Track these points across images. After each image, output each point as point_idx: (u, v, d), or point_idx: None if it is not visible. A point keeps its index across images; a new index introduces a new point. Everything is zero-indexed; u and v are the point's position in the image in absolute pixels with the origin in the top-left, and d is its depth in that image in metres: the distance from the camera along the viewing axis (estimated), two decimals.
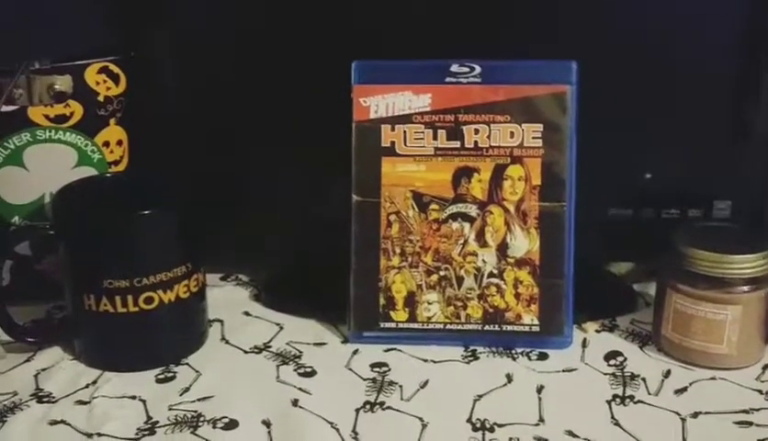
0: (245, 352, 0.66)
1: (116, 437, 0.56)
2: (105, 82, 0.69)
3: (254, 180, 0.72)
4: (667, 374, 0.62)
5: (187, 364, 0.64)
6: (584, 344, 0.66)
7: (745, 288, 0.61)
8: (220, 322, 0.70)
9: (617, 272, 0.77)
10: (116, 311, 0.61)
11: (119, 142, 0.71)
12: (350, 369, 0.63)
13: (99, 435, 0.56)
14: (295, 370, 0.63)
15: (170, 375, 0.63)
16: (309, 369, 0.63)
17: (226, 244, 0.73)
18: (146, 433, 0.56)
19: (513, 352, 0.65)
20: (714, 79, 0.67)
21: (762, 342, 0.64)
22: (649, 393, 0.60)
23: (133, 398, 0.60)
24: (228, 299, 0.73)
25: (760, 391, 0.60)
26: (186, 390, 0.61)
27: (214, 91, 0.70)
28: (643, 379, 0.62)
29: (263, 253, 0.74)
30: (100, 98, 0.69)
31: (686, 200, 0.70)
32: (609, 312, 0.70)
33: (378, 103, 0.64)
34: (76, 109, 0.68)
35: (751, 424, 0.57)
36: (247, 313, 0.71)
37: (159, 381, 0.62)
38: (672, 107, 0.67)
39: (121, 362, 0.63)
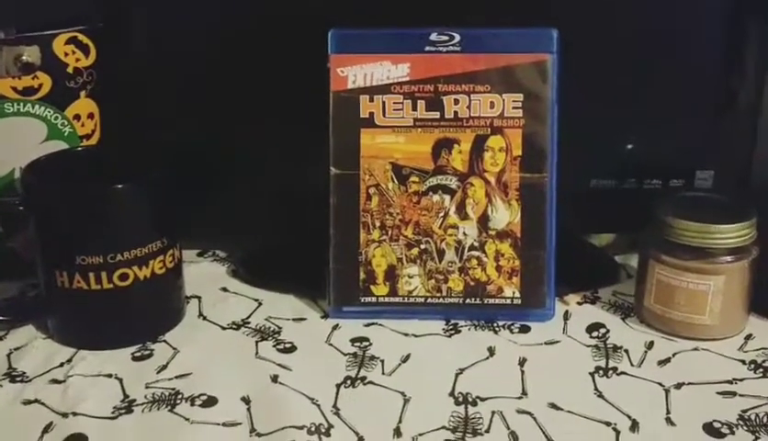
0: (223, 328, 0.65)
1: (92, 416, 0.55)
2: (74, 53, 0.67)
3: (230, 153, 0.70)
4: (650, 345, 0.62)
5: (164, 341, 0.63)
6: (566, 316, 0.66)
7: (728, 258, 0.61)
8: (198, 298, 0.69)
9: (599, 243, 0.76)
10: (90, 288, 0.59)
11: (91, 115, 0.69)
12: (330, 345, 0.63)
13: (75, 414, 0.55)
14: (274, 346, 0.62)
15: (147, 352, 0.61)
16: (288, 345, 0.62)
17: (202, 220, 0.72)
18: (123, 411, 0.55)
19: (495, 325, 0.65)
20: (696, 49, 0.67)
21: (745, 312, 0.64)
22: (632, 365, 0.60)
23: (109, 376, 0.59)
24: (205, 276, 0.72)
25: (743, 361, 0.60)
26: (164, 367, 0.60)
27: (187, 62, 0.68)
28: (626, 351, 0.62)
29: (240, 228, 0.73)
30: (69, 70, 0.67)
31: (668, 171, 0.70)
32: (591, 284, 0.70)
33: (355, 73, 0.63)
34: (45, 81, 0.66)
35: (734, 394, 0.57)
36: (225, 289, 0.70)
37: (135, 359, 0.61)
38: (654, 76, 0.67)
39: (96, 340, 0.62)
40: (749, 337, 0.63)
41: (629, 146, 0.69)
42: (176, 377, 0.59)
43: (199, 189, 0.70)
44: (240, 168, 0.71)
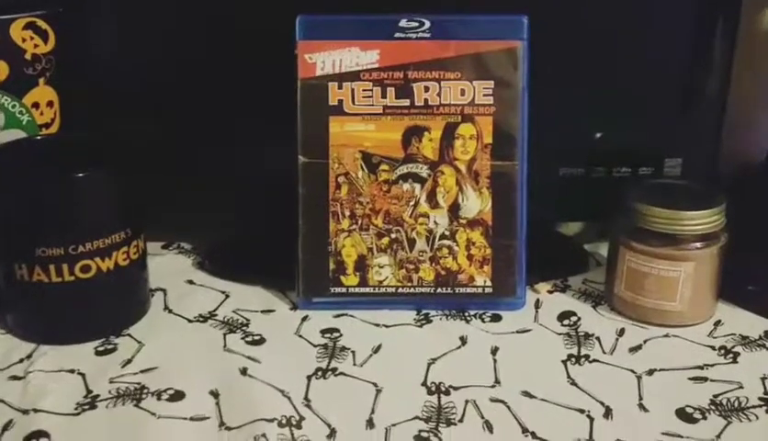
0: (190, 321, 0.63)
1: (54, 413, 0.53)
2: (32, 38, 0.65)
3: (195, 142, 0.69)
4: (621, 332, 0.62)
5: (129, 335, 0.61)
6: (537, 305, 0.66)
7: (698, 244, 0.61)
8: (163, 291, 0.67)
9: (568, 232, 0.76)
10: (50, 281, 0.58)
11: (50, 103, 0.67)
12: (300, 336, 0.61)
13: (36, 410, 0.53)
14: (243, 339, 0.61)
15: (110, 347, 0.60)
16: (257, 337, 0.61)
17: (167, 211, 0.70)
18: (86, 407, 0.54)
19: (467, 314, 0.64)
20: (665, 37, 0.67)
21: (714, 298, 0.64)
22: (604, 352, 0.60)
23: (71, 371, 0.57)
24: (170, 268, 0.70)
25: (713, 347, 0.61)
26: (129, 361, 0.58)
27: (151, 48, 0.67)
28: (597, 339, 0.61)
29: (206, 219, 0.71)
30: (27, 56, 0.65)
31: (637, 158, 0.70)
32: (561, 273, 0.70)
33: (324, 59, 0.62)
34: (1, 68, 0.64)
35: (705, 379, 0.57)
36: (191, 282, 0.69)
37: (99, 354, 0.59)
38: (624, 64, 0.67)
39: (58, 334, 0.60)
40: (718, 323, 0.63)
41: (598, 134, 0.69)
42: (142, 371, 0.57)
43: (164, 181, 0.68)
44: (205, 157, 0.69)
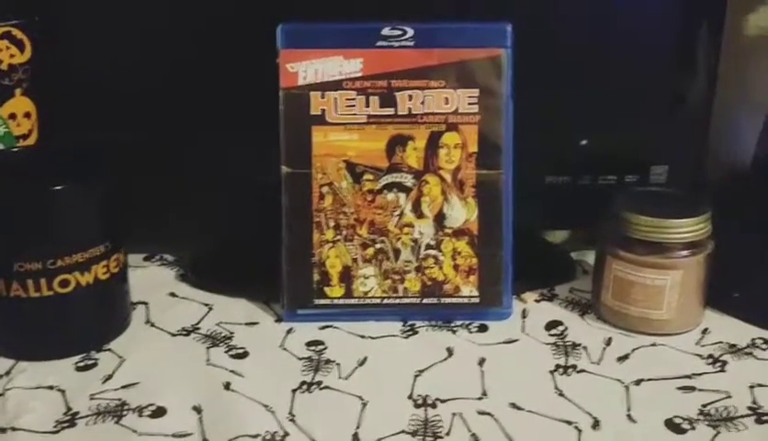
0: (172, 335, 0.62)
1: (33, 431, 0.52)
2: (8, 48, 0.64)
3: (177, 152, 0.68)
4: (608, 342, 0.62)
5: (110, 350, 0.60)
6: (524, 314, 0.65)
7: (684, 252, 0.61)
8: (145, 304, 0.66)
9: (554, 240, 0.76)
10: (28, 296, 0.56)
11: (27, 115, 0.66)
12: (284, 349, 0.61)
13: (14, 429, 0.52)
14: (226, 352, 0.60)
15: (91, 362, 0.59)
16: (241, 351, 0.60)
17: (148, 223, 0.70)
18: (66, 425, 0.52)
19: (453, 325, 0.63)
20: (650, 45, 0.66)
21: (701, 306, 0.64)
22: (592, 362, 0.59)
23: (51, 388, 0.56)
24: (152, 280, 0.69)
25: (700, 356, 0.60)
26: (109, 377, 0.57)
27: (131, 57, 0.66)
28: (584, 348, 0.61)
29: (188, 230, 0.71)
30: (3, 67, 0.64)
31: (623, 166, 0.69)
32: (548, 282, 0.70)
33: (306, 69, 0.61)
34: None
35: (693, 388, 0.56)
36: (173, 294, 0.68)
37: (79, 369, 0.58)
38: (608, 72, 0.67)
39: (36, 350, 0.59)
40: (705, 331, 0.63)
41: (584, 142, 0.69)
42: (123, 387, 0.56)
43: (145, 192, 0.67)
44: (188, 167, 0.68)
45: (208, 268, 0.71)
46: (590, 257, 0.71)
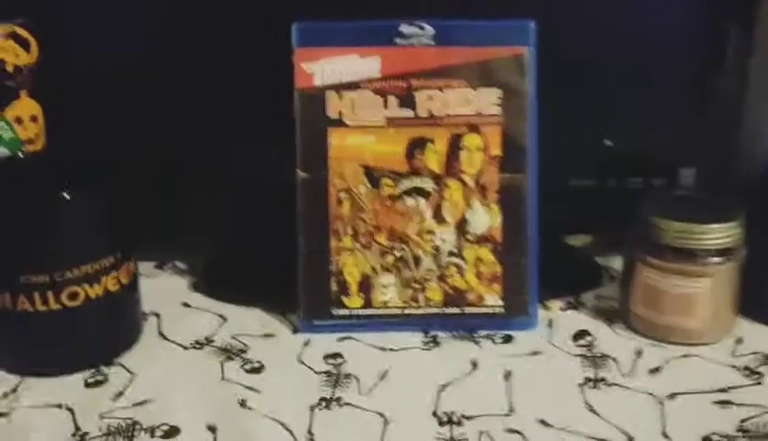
0: (185, 348, 0.60)
1: None
2: (13, 48, 0.61)
3: (189, 156, 0.66)
4: (639, 353, 0.59)
5: (120, 364, 0.58)
6: (550, 324, 0.63)
7: (717, 259, 0.58)
8: (156, 315, 0.64)
9: (576, 243, 0.73)
10: (35, 310, 0.54)
11: (34, 118, 0.64)
12: (302, 362, 0.58)
13: None
14: (241, 367, 0.58)
15: (101, 378, 0.56)
16: (256, 365, 0.58)
17: (160, 229, 0.67)
18: None
19: (476, 336, 0.61)
20: (678, 45, 0.64)
21: (734, 315, 0.61)
22: (622, 374, 0.57)
23: (59, 406, 0.54)
24: (164, 290, 0.67)
25: (736, 367, 0.58)
26: (120, 394, 0.55)
27: (142, 58, 0.63)
28: (614, 360, 0.58)
29: (201, 236, 0.68)
30: (8, 68, 0.61)
31: (650, 169, 0.67)
32: (573, 289, 0.67)
33: (322, 68, 0.59)
34: None
35: (730, 403, 0.54)
36: (186, 304, 0.66)
37: (88, 386, 0.56)
38: (635, 72, 0.64)
39: (44, 366, 0.56)
40: (739, 341, 0.60)
41: (608, 143, 0.66)
42: (134, 405, 0.54)
43: (157, 198, 0.65)
44: (200, 173, 0.67)
45: (222, 277, 0.69)
46: (615, 262, 0.69)
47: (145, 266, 0.68)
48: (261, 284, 0.66)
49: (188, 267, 0.71)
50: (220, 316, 0.64)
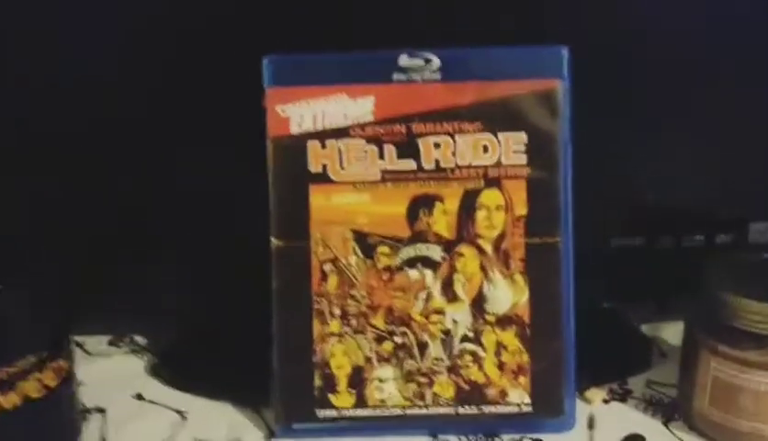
0: None
1: None
2: None
3: (148, 216, 0.57)
4: None
5: None
6: (591, 423, 0.52)
7: None
8: (102, 412, 0.53)
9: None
10: None
11: None
12: None
13: None
14: None
15: None
16: None
17: (117, 297, 0.59)
18: None
19: (499, 440, 0.51)
20: (745, 73, 0.55)
21: None
22: None
23: None
24: (115, 376, 0.58)
25: None
26: None
27: (86, 97, 0.53)
28: None
29: (162, 311, 0.59)
30: None
31: (713, 223, 0.58)
32: (618, 371, 0.57)
33: (301, 112, 0.50)
34: None
35: None
36: (140, 397, 0.55)
37: None
38: (693, 106, 0.55)
39: None
40: None
41: (651, 194, 0.57)
42: None
43: (110, 265, 0.57)
44: (162, 236, 0.58)
45: (186, 359, 0.59)
46: (665, 331, 0.60)
47: (96, 342, 0.60)
48: (232, 371, 0.56)
49: (149, 343, 0.61)
50: (179, 413, 0.53)
